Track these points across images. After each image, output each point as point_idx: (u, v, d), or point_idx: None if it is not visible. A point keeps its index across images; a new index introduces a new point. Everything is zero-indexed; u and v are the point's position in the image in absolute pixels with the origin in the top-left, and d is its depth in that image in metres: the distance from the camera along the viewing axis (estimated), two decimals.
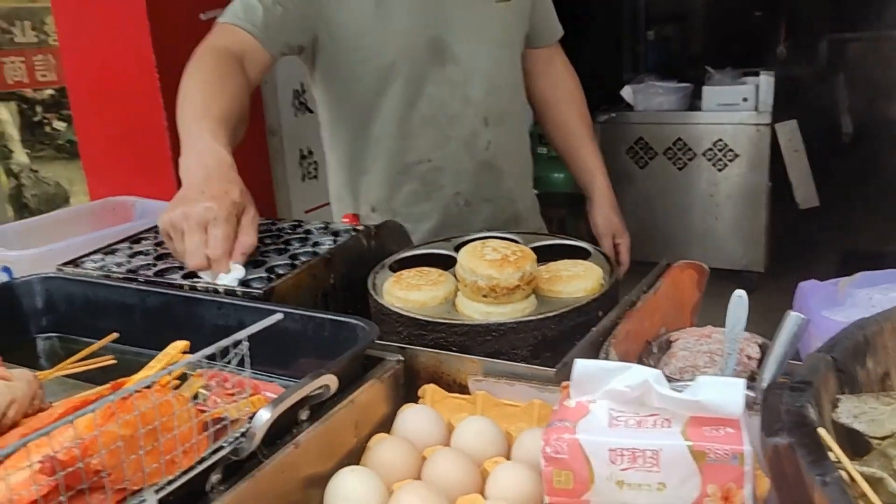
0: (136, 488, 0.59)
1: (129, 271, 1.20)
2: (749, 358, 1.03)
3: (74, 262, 1.25)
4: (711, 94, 4.14)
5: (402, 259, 1.28)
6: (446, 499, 0.71)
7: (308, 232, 1.32)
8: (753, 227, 4.14)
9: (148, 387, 0.60)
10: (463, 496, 0.73)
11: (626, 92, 4.36)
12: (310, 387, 0.74)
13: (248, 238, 1.12)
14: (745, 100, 4.07)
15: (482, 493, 0.75)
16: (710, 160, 4.17)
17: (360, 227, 1.31)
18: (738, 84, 4.13)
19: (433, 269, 1.17)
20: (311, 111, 2.66)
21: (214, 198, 1.09)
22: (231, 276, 1.09)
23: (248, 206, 1.13)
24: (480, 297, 1.03)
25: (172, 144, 2.15)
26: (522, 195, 1.66)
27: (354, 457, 0.86)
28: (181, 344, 0.70)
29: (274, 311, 0.94)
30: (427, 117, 1.51)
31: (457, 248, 1.31)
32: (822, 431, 0.55)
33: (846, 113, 5.73)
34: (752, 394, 0.94)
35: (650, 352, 1.11)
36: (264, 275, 1.15)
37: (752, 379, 1.00)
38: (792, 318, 0.90)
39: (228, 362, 0.65)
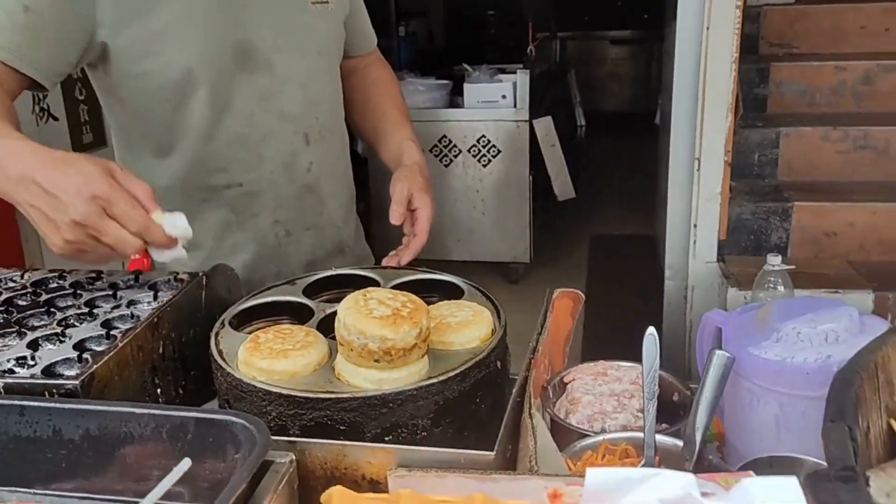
0: None
1: None
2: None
3: None
4: (473, 91, 4.21)
5: (241, 312, 1.05)
6: None
7: (115, 286, 1.05)
8: (518, 220, 4.30)
9: None
10: None
11: None
12: None
13: (141, 187, 0.96)
14: (503, 97, 4.19)
15: None
16: (474, 156, 4.25)
17: (185, 277, 1.06)
18: (496, 82, 4.25)
19: (295, 327, 0.97)
20: (55, 118, 2.21)
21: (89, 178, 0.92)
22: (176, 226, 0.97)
23: (111, 165, 0.96)
24: (371, 361, 0.86)
25: None
26: (347, 221, 1.49)
27: None
28: None
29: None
30: (237, 135, 1.28)
31: (304, 292, 1.11)
32: None
33: (578, 107, 6.26)
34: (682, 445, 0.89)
35: (547, 397, 1.02)
36: (73, 354, 0.88)
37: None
38: (719, 358, 0.85)
39: None
